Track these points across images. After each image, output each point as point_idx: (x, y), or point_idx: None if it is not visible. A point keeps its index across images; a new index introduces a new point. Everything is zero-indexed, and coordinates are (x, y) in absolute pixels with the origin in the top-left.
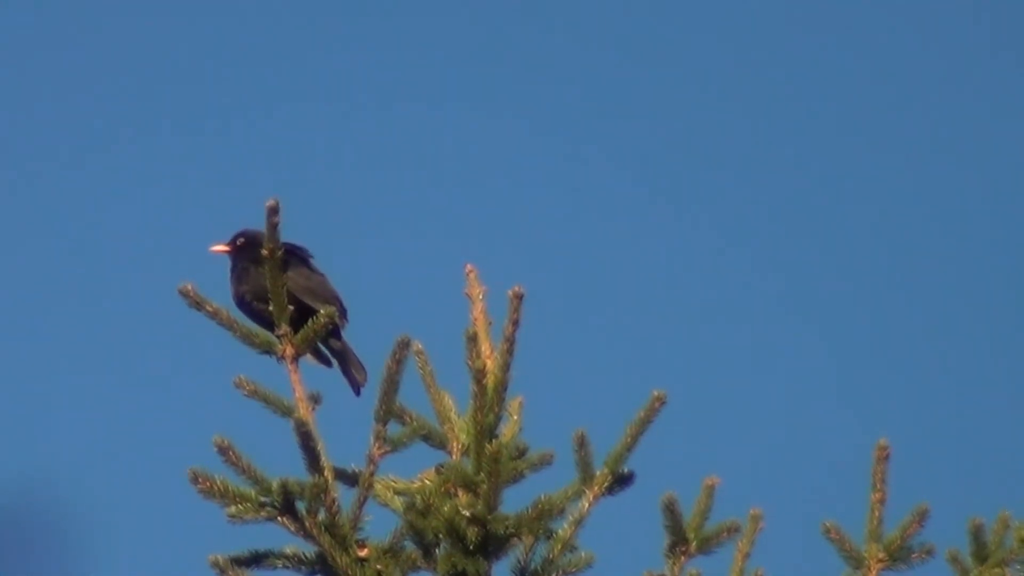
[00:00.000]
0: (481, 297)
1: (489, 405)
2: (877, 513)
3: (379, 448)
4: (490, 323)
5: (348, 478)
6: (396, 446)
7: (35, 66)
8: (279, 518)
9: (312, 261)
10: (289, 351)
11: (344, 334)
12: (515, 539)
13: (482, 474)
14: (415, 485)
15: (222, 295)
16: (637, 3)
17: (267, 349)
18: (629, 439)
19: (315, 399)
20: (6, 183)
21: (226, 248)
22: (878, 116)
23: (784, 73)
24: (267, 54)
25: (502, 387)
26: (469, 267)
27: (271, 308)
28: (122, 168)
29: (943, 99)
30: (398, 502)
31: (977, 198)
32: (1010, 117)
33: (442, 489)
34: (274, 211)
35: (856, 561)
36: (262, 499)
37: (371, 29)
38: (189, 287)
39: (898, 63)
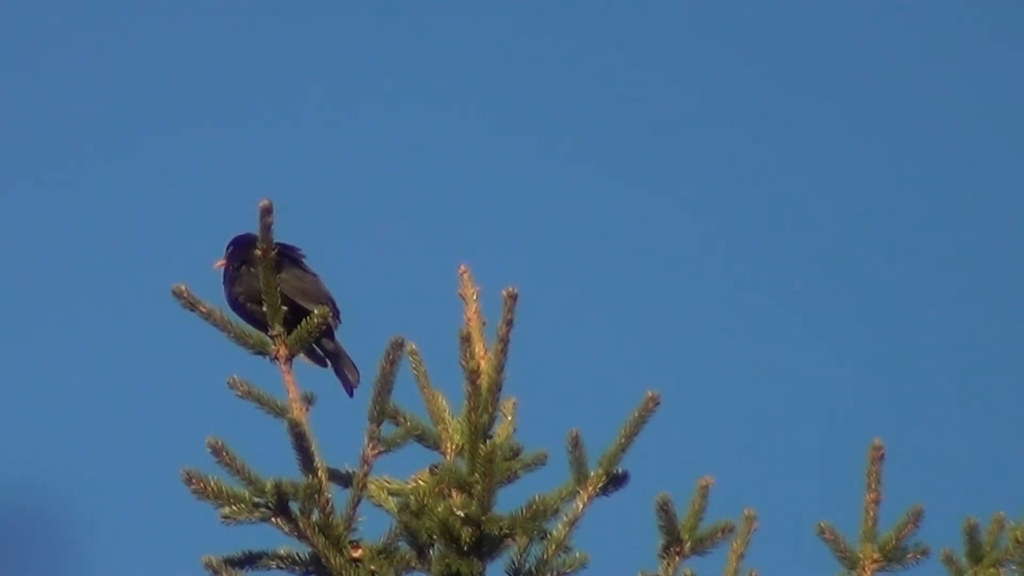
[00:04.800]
0: (475, 297)
1: (483, 405)
2: (872, 513)
3: (373, 448)
4: (484, 323)
5: (342, 479)
6: (390, 446)
7: (30, 67)
8: (273, 519)
9: (305, 262)
10: (283, 352)
11: (337, 334)
12: (509, 540)
13: (476, 474)
14: (409, 486)
15: (216, 296)
16: (635, 3)
17: (261, 350)
18: (623, 439)
19: (309, 400)
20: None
21: (224, 262)
22: (875, 115)
23: (784, 72)
24: (262, 53)
25: (496, 387)
26: (463, 267)
27: (264, 309)
28: (116, 168)
29: (942, 99)
30: (392, 503)
31: (976, 198)
32: (1010, 118)
33: (436, 490)
34: (267, 211)
35: (851, 561)
36: (256, 500)
37: (365, 29)
38: (183, 288)
39: (899, 63)
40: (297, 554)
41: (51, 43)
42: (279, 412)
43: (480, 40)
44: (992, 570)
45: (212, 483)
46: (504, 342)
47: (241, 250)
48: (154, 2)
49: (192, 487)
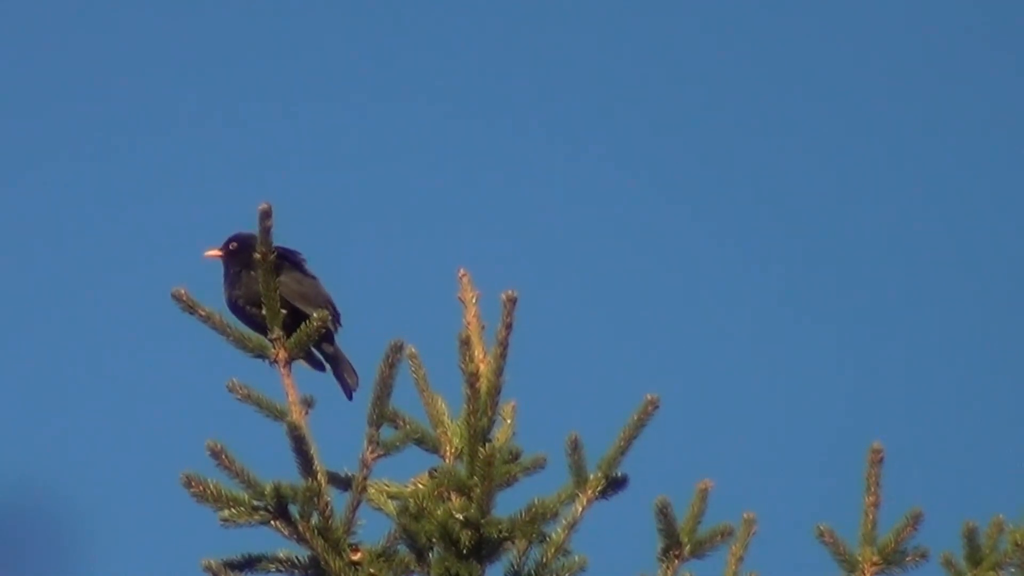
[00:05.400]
0: (474, 301)
1: (482, 409)
2: (871, 516)
3: (372, 452)
4: (483, 327)
5: (341, 482)
6: (389, 450)
7: (28, 67)
8: (272, 522)
9: (305, 265)
10: (282, 355)
11: (337, 338)
12: (508, 543)
13: (475, 478)
14: (408, 489)
15: (215, 299)
16: (636, 3)
17: (260, 353)
18: (622, 443)
19: (308, 403)
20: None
21: (219, 253)
22: (875, 115)
23: (784, 72)
24: (262, 53)
25: (495, 391)
26: (462, 271)
27: (264, 312)
28: (115, 169)
29: (943, 100)
30: (391, 506)
31: (976, 198)
32: (1011, 118)
33: (435, 493)
34: (267, 215)
35: (850, 564)
36: (255, 503)
37: (366, 29)
38: (182, 291)
39: (900, 63)
40: (296, 557)
41: (51, 43)
42: (278, 415)
43: (480, 40)
44: (991, 573)
45: (212, 486)
46: (503, 345)
47: (241, 252)
48: (154, 2)
49: (192, 490)
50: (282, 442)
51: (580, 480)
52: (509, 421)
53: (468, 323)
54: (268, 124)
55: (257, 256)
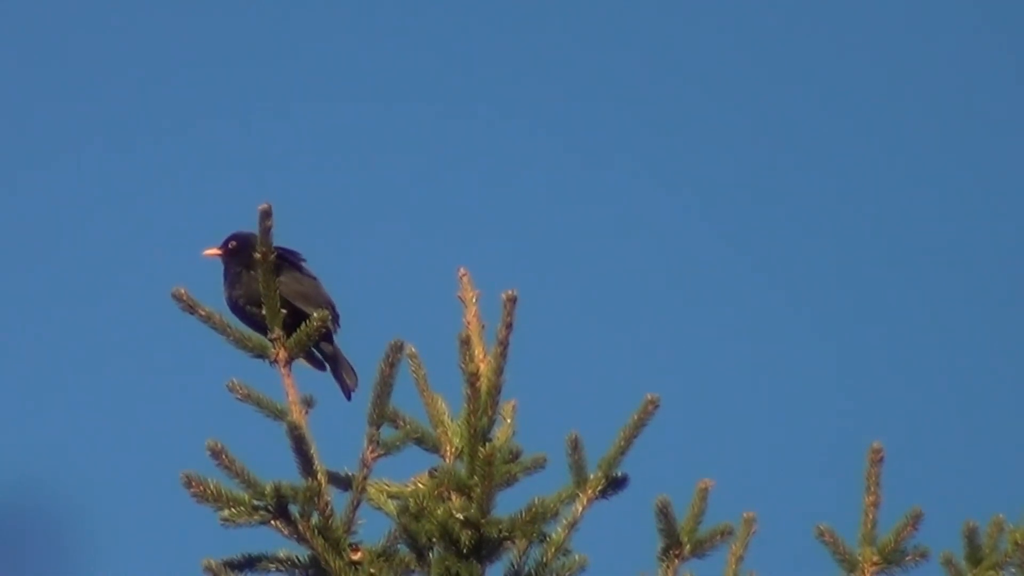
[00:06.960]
0: (474, 300)
1: (482, 408)
2: (871, 516)
3: (372, 451)
4: (483, 326)
5: (341, 481)
6: (389, 449)
7: (28, 67)
8: (272, 522)
9: (305, 265)
10: (282, 355)
11: (337, 338)
12: (509, 542)
13: (475, 477)
14: (408, 488)
15: (215, 298)
16: (634, 3)
17: (260, 353)
18: (623, 442)
19: (308, 402)
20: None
21: (218, 252)
22: (876, 115)
23: (783, 71)
24: (262, 53)
25: (495, 390)
26: (462, 271)
27: (264, 312)
28: (114, 169)
29: (943, 100)
30: (391, 505)
31: (977, 199)
32: (1010, 117)
33: (435, 492)
34: (267, 215)
35: (850, 564)
36: (255, 503)
37: (366, 28)
38: (182, 291)
39: (900, 63)
40: (296, 557)
41: (51, 43)
42: (279, 415)
43: (480, 40)
44: (991, 573)
45: (212, 486)
46: (503, 345)
47: (241, 252)
48: (154, 2)
49: (192, 490)
50: (282, 442)
51: (580, 480)
52: (509, 420)
53: (468, 322)
54: (268, 124)
55: (257, 256)
